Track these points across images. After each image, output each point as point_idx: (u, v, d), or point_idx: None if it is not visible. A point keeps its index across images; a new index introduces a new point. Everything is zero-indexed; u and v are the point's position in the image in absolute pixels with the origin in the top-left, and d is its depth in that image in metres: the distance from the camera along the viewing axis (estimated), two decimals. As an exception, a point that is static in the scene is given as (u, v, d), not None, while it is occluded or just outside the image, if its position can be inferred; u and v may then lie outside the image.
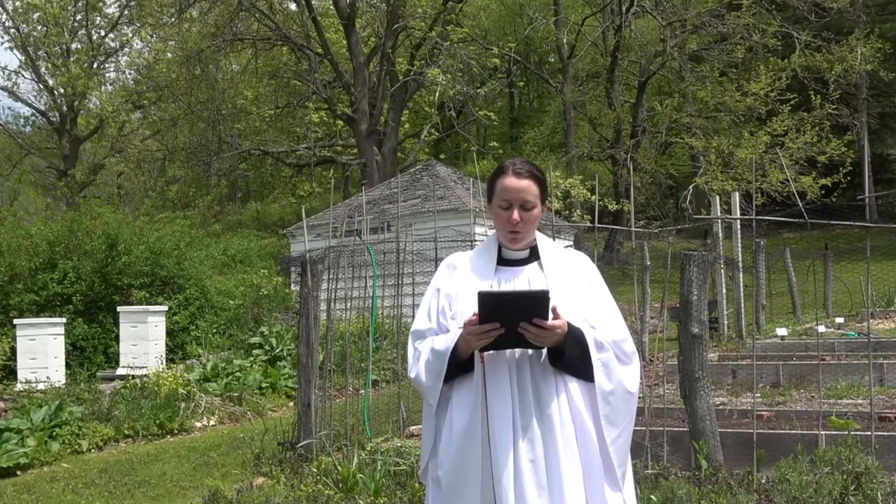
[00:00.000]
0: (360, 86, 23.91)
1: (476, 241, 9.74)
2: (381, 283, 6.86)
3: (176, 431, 7.76)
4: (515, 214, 2.35)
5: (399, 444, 5.36)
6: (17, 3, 29.54)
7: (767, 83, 21.52)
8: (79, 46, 30.61)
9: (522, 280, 2.38)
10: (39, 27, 29.78)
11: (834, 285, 14.66)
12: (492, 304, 2.15)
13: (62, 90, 30.08)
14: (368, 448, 5.37)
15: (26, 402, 7.86)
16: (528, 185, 2.35)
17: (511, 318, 2.15)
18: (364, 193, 10.15)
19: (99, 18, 30.69)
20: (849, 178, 21.27)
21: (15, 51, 30.63)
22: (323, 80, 25.36)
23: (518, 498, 2.15)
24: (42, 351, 9.90)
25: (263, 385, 9.30)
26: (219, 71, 28.07)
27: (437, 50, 23.38)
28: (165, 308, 11.67)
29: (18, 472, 6.35)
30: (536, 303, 2.15)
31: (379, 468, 4.94)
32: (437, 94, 22.36)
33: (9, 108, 75.38)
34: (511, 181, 2.36)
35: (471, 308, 2.21)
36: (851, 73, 22.07)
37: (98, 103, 30.62)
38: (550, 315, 2.17)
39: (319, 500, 4.62)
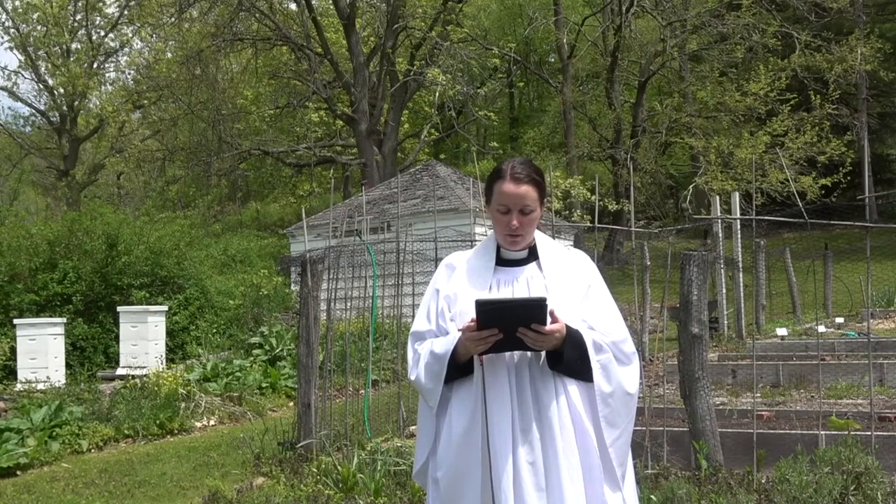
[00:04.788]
0: (360, 86, 23.90)
1: (476, 241, 9.74)
2: (381, 283, 6.86)
3: (176, 431, 7.76)
4: (515, 221, 2.32)
5: (399, 444, 5.36)
6: (17, 3, 29.54)
7: (767, 83, 21.51)
8: (79, 46, 30.58)
9: (521, 281, 2.36)
10: (39, 27, 29.75)
11: (834, 285, 14.65)
12: (490, 312, 2.14)
13: (62, 90, 30.05)
14: (368, 448, 5.37)
15: (26, 402, 7.87)
16: (526, 191, 2.31)
17: (509, 325, 2.15)
18: (364, 193, 10.15)
19: (99, 18, 30.66)
20: (849, 178, 21.26)
21: (15, 51, 30.62)
22: (323, 80, 25.35)
23: (517, 500, 2.15)
24: (42, 351, 9.90)
25: (263, 385, 9.30)
26: (219, 71, 28.07)
27: (437, 50, 23.36)
28: (165, 308, 11.67)
29: (18, 472, 6.34)
30: (534, 310, 2.15)
31: (379, 468, 4.94)
32: (437, 94, 22.35)
33: (9, 108, 75.49)
34: (510, 187, 2.31)
35: (470, 309, 2.20)
36: (851, 73, 22.05)
37: (98, 103, 30.61)
38: (549, 320, 2.17)
39: (319, 500, 4.62)
